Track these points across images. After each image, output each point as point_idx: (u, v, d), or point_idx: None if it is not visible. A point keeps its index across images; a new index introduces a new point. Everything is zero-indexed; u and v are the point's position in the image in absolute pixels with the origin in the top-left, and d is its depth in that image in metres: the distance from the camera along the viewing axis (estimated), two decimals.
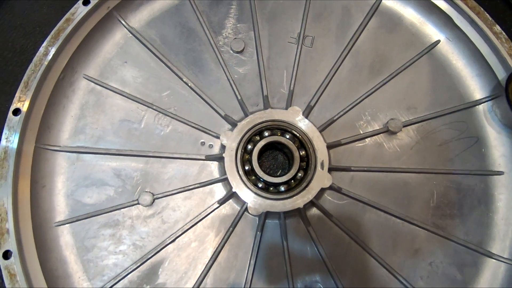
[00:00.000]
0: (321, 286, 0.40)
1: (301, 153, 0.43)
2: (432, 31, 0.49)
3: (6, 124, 0.40)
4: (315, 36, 0.49)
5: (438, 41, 0.48)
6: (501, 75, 0.44)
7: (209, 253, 0.41)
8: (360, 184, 0.43)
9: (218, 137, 0.44)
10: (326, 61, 0.48)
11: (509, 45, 0.45)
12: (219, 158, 0.43)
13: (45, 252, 0.40)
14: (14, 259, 0.37)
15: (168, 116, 0.45)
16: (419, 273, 0.41)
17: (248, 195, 0.41)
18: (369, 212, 0.43)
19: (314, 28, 0.49)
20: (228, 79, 0.46)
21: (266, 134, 0.43)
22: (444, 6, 0.47)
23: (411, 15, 0.49)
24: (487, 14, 0.46)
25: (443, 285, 0.41)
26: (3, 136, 0.40)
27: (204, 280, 0.40)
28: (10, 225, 0.38)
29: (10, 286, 0.36)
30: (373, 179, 0.44)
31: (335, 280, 0.40)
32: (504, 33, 0.45)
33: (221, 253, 0.41)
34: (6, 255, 0.37)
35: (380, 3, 0.49)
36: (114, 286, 0.40)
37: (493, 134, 0.45)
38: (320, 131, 0.44)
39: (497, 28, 0.45)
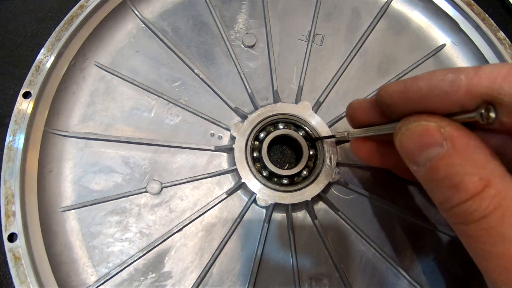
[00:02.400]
0: (326, 279, 0.40)
1: (309, 146, 0.43)
2: (438, 35, 0.50)
3: (15, 107, 0.40)
4: (325, 35, 0.50)
5: (444, 45, 0.50)
6: None
7: (216, 243, 0.41)
8: (367, 180, 0.44)
9: (228, 129, 0.44)
10: (335, 59, 0.49)
11: None
12: (229, 149, 0.43)
13: (51, 237, 0.39)
14: (20, 242, 0.36)
15: (178, 106, 0.45)
16: (423, 268, 0.42)
17: (256, 186, 0.41)
18: (375, 208, 0.43)
19: (324, 27, 0.50)
20: (239, 73, 0.47)
21: (279, 127, 0.44)
22: (450, 11, 0.49)
23: (419, 18, 0.51)
24: (492, 21, 0.48)
25: (446, 281, 0.41)
26: (12, 119, 0.40)
27: (210, 270, 0.40)
28: (16, 208, 0.37)
29: (14, 269, 0.36)
30: (380, 175, 0.44)
31: (340, 273, 0.40)
32: (507, 40, 0.47)
33: (227, 243, 0.41)
34: (12, 238, 0.37)
35: (388, 6, 0.51)
36: (119, 273, 0.39)
37: None
38: (329, 127, 0.44)
39: (501, 34, 0.47)
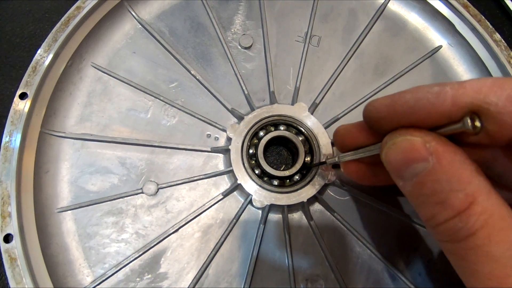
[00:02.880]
0: (322, 280, 0.40)
1: (305, 148, 0.43)
2: (435, 37, 0.50)
3: (12, 108, 0.40)
4: (322, 36, 0.50)
5: (440, 46, 0.50)
6: None
7: (212, 244, 0.41)
8: None
9: (224, 130, 0.45)
10: (331, 60, 0.49)
11: (508, 52, 0.46)
12: (225, 151, 0.43)
13: (46, 238, 0.39)
14: (16, 243, 0.36)
15: (175, 107, 0.45)
16: (418, 270, 0.42)
17: (252, 188, 0.41)
18: (370, 209, 0.43)
19: (321, 28, 0.50)
20: (236, 74, 0.47)
21: (271, 128, 0.44)
22: (447, 12, 0.49)
23: (415, 20, 0.51)
24: (488, 22, 0.48)
25: (441, 283, 0.41)
26: (9, 119, 0.40)
27: (206, 270, 0.40)
28: (12, 208, 0.37)
29: (10, 270, 0.36)
30: None
31: (336, 274, 0.40)
32: (503, 41, 0.47)
33: (224, 244, 0.41)
34: (7, 238, 0.37)
35: (385, 7, 0.51)
36: (115, 274, 0.39)
37: None
38: (325, 128, 0.44)
39: (497, 36, 0.47)
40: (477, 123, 0.22)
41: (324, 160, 0.41)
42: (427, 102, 0.24)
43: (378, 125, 0.28)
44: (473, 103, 0.22)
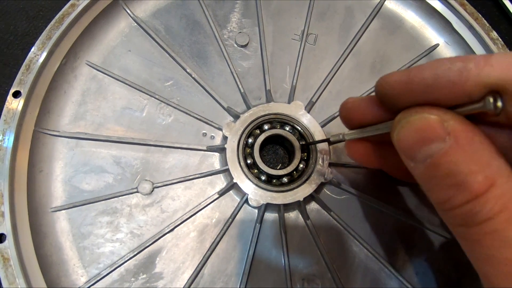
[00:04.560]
0: (319, 279, 0.40)
1: (302, 146, 0.43)
2: (431, 35, 0.50)
3: (5, 106, 0.40)
4: (318, 34, 0.49)
5: (437, 45, 0.50)
6: None
7: (208, 243, 0.41)
8: (360, 180, 0.44)
9: (220, 129, 0.44)
10: (328, 59, 0.49)
11: (505, 50, 0.46)
12: (221, 149, 0.43)
13: (40, 238, 0.39)
14: (9, 243, 0.36)
15: (170, 106, 0.45)
16: (415, 269, 0.41)
17: (248, 187, 0.41)
18: (367, 208, 0.43)
19: (317, 26, 0.50)
20: (232, 72, 0.47)
21: (267, 127, 0.44)
22: (444, 11, 0.49)
23: (412, 18, 0.51)
24: (484, 20, 0.48)
25: (438, 282, 0.41)
26: (2, 118, 0.40)
27: (202, 270, 0.40)
28: (5, 208, 0.37)
29: (3, 270, 0.35)
30: (373, 176, 0.44)
31: (333, 274, 0.40)
32: (500, 39, 0.47)
33: (219, 244, 0.41)
34: (1, 238, 0.36)
35: (382, 5, 0.51)
36: (110, 274, 0.39)
37: None
38: (322, 127, 0.44)
39: (494, 34, 0.47)
40: (499, 104, 0.21)
41: (328, 138, 0.38)
42: (448, 81, 0.22)
43: (391, 102, 0.26)
44: (497, 83, 0.21)
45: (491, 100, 0.21)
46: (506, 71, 0.21)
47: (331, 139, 0.36)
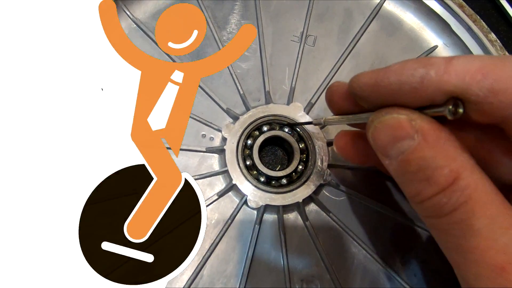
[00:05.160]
0: (318, 280, 0.40)
1: (301, 147, 0.43)
2: (430, 37, 0.50)
3: None
4: (317, 36, 0.50)
5: (435, 46, 0.50)
6: None
7: (207, 244, 0.41)
8: (358, 181, 0.44)
9: (219, 130, 0.44)
10: (327, 60, 0.49)
11: (503, 52, 0.46)
12: (220, 151, 0.43)
13: None
14: None
15: None
16: (414, 270, 0.42)
17: (248, 188, 0.41)
18: (366, 209, 0.43)
19: (316, 28, 0.50)
20: (231, 74, 0.47)
21: (266, 128, 0.44)
22: (442, 12, 0.49)
23: (411, 20, 0.51)
24: (483, 22, 0.48)
25: (437, 283, 0.41)
26: None
27: (201, 271, 0.40)
28: None
29: None
30: (371, 177, 0.44)
31: (332, 275, 0.40)
32: (499, 41, 0.47)
33: (218, 245, 0.41)
34: None
35: (381, 7, 0.51)
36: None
37: None
38: (321, 128, 0.44)
39: (493, 36, 0.47)
40: (460, 110, 0.23)
41: (310, 120, 0.41)
42: (410, 88, 0.24)
43: (363, 101, 0.28)
44: (455, 91, 0.23)
45: (450, 107, 0.23)
46: (462, 79, 0.22)
47: (313, 122, 0.39)
